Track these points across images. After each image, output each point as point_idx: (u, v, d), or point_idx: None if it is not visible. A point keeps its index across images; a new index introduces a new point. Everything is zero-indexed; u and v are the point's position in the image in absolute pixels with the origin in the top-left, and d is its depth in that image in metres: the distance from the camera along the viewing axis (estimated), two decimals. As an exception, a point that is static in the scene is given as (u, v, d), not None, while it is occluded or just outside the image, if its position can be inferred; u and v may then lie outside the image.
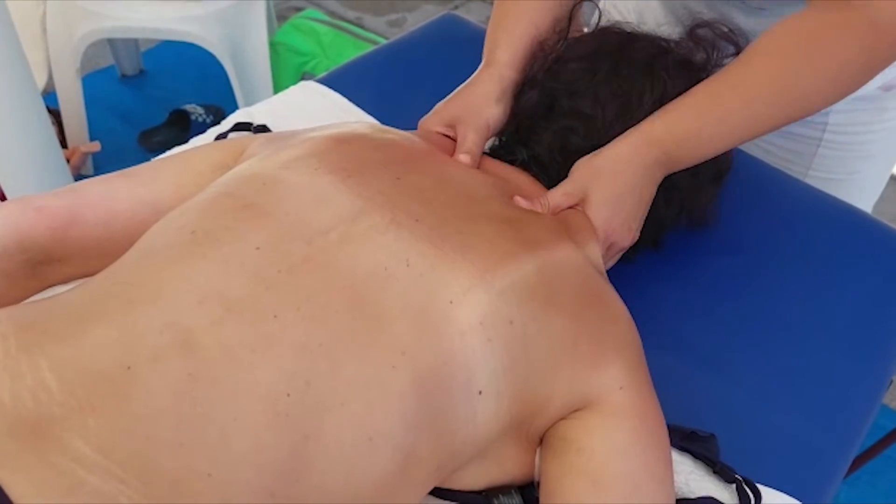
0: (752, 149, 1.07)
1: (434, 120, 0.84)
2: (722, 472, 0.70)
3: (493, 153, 0.86)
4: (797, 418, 0.77)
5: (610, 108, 0.79)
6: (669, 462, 0.65)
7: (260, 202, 0.63)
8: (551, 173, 0.81)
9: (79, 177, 1.95)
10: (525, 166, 0.82)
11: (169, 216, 0.65)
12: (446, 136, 0.83)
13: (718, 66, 0.83)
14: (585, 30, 0.90)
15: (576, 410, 0.63)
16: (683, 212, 0.85)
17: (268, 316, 0.55)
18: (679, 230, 0.88)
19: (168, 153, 0.88)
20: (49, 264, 0.73)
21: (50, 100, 1.92)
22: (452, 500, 0.65)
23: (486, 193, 0.72)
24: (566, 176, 0.80)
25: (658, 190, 0.79)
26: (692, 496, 0.69)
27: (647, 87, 0.80)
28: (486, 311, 0.59)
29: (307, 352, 0.54)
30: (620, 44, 0.83)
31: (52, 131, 1.50)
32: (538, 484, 0.65)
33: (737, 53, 0.82)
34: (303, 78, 2.00)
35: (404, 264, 0.60)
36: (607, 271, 0.78)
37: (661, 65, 0.81)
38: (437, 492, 0.64)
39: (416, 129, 0.85)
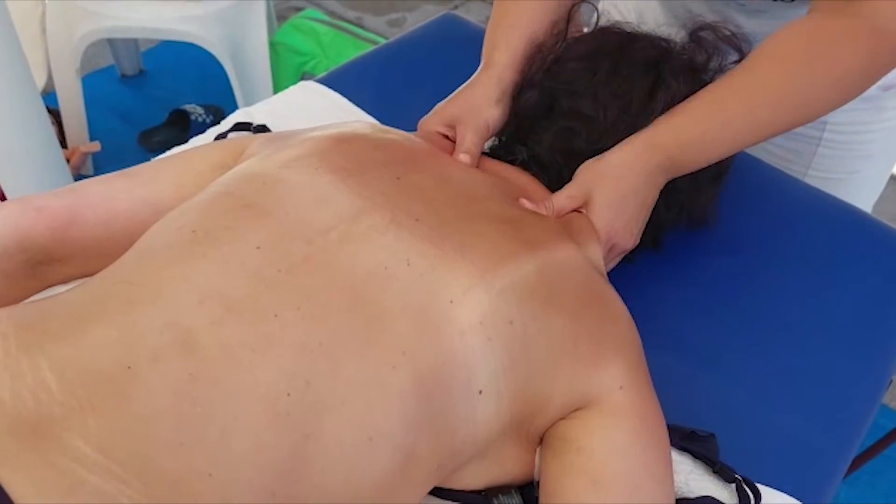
0: (752, 148, 1.07)
1: (434, 120, 0.84)
2: (722, 471, 0.70)
3: (493, 153, 0.86)
4: (797, 418, 0.77)
5: (611, 109, 0.79)
6: (669, 462, 0.65)
7: (260, 202, 0.63)
8: (551, 173, 0.81)
9: (79, 177, 1.95)
10: (525, 166, 0.82)
11: (169, 216, 0.65)
12: (446, 136, 0.83)
13: (722, 70, 0.83)
14: (585, 30, 0.90)
15: (576, 410, 0.63)
16: (683, 212, 0.85)
17: (268, 315, 0.55)
18: (679, 230, 0.88)
19: (168, 153, 0.88)
20: (49, 264, 0.73)
21: (50, 100, 1.92)
22: (452, 500, 0.65)
23: (486, 193, 0.72)
24: (566, 175, 0.80)
25: None
26: (692, 496, 0.69)
27: (648, 87, 0.80)
28: (486, 311, 0.59)
29: (307, 351, 0.54)
30: (620, 44, 0.83)
31: (51, 131, 1.51)
32: (538, 483, 0.65)
33: (740, 58, 0.82)
34: (303, 78, 2.00)
35: (404, 264, 0.60)
36: (608, 272, 0.78)
37: (662, 66, 0.81)
38: (436, 491, 0.64)
39: (415, 129, 0.85)
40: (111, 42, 2.31)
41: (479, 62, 0.88)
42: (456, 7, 2.78)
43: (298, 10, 2.50)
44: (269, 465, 0.50)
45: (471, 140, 0.81)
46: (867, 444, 1.40)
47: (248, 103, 1.22)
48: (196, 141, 0.98)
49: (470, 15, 1.27)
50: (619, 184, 0.76)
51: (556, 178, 0.81)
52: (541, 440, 0.65)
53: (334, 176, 0.65)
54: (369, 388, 0.55)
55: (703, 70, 0.83)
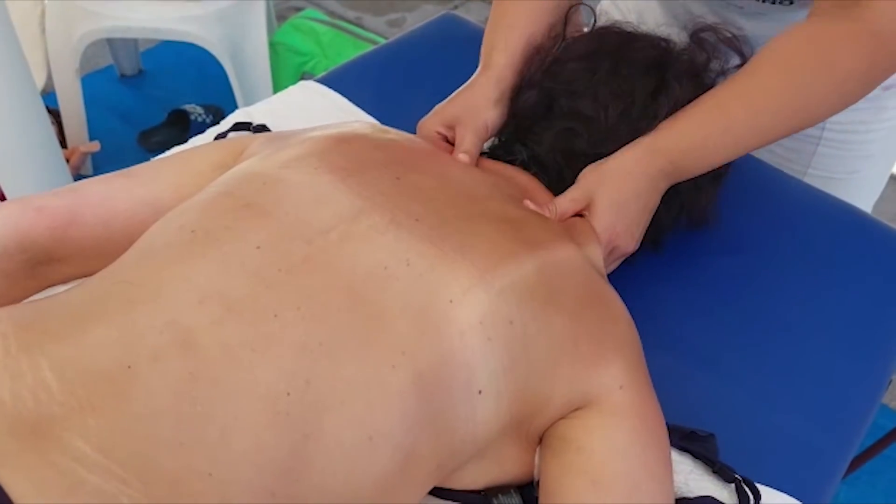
0: (752, 148, 1.07)
1: (433, 121, 0.84)
2: (721, 471, 0.70)
3: (492, 152, 0.86)
4: (797, 418, 0.77)
5: (612, 110, 0.79)
6: (669, 461, 0.65)
7: (260, 202, 0.63)
8: (551, 173, 0.81)
9: (78, 177, 1.95)
10: (524, 166, 0.82)
11: (169, 216, 0.65)
12: (445, 137, 0.83)
13: (724, 73, 0.83)
14: (585, 30, 0.90)
15: (575, 410, 0.63)
16: (683, 212, 0.85)
17: (268, 315, 0.55)
18: (679, 230, 0.88)
19: (167, 153, 0.88)
20: (49, 264, 0.73)
21: (49, 100, 1.92)
22: (452, 500, 0.65)
23: (486, 193, 0.72)
24: (567, 176, 0.80)
25: None
26: (691, 496, 0.69)
27: (650, 89, 0.80)
28: (486, 311, 0.59)
29: (307, 351, 0.54)
30: (620, 44, 0.83)
31: (51, 131, 1.50)
32: (538, 483, 0.65)
33: (741, 60, 0.83)
34: (302, 78, 2.00)
35: (404, 264, 0.60)
36: (608, 274, 0.78)
37: (664, 69, 0.81)
38: (436, 491, 0.64)
39: (415, 129, 0.85)
40: (110, 42, 2.31)
41: (478, 62, 0.88)
42: (456, 7, 2.78)
43: (298, 9, 2.50)
44: (269, 464, 0.50)
45: (470, 141, 0.81)
46: (867, 443, 1.40)
47: (248, 103, 1.22)
48: (196, 141, 0.98)
49: (470, 15, 1.26)
50: (621, 187, 0.76)
51: (556, 179, 0.81)
52: (540, 440, 0.65)
53: (334, 176, 0.65)
54: (369, 388, 0.55)
55: (703, 70, 0.83)
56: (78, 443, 0.46)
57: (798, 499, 0.71)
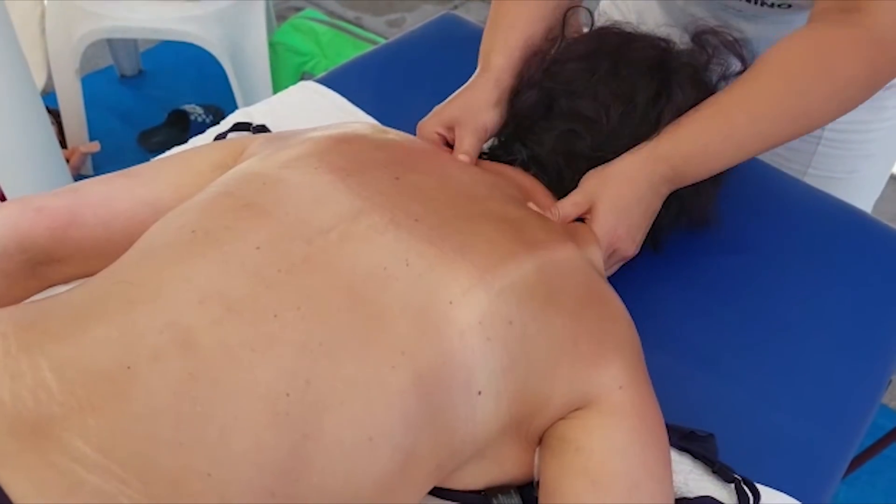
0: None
1: (433, 122, 0.84)
2: (721, 471, 0.70)
3: (492, 152, 0.87)
4: (796, 418, 0.77)
5: (613, 111, 0.79)
6: (668, 461, 0.65)
7: (260, 202, 0.63)
8: (551, 173, 0.81)
9: (78, 177, 1.95)
10: (524, 166, 0.83)
11: (169, 216, 0.65)
12: (444, 139, 0.84)
13: (725, 77, 0.84)
14: (585, 30, 0.90)
15: (575, 410, 0.63)
16: (683, 213, 0.85)
17: (268, 315, 0.55)
18: (679, 230, 0.88)
19: (167, 153, 0.88)
20: (49, 264, 0.73)
21: (49, 100, 1.92)
22: (452, 500, 0.65)
23: (485, 193, 0.72)
24: (567, 176, 0.80)
25: None
26: (691, 496, 0.69)
27: (651, 92, 0.80)
28: (486, 312, 0.59)
29: (307, 351, 0.54)
30: (619, 44, 0.83)
31: (51, 131, 1.50)
32: (537, 483, 0.65)
33: (741, 63, 0.83)
34: (302, 78, 2.00)
35: (403, 264, 0.60)
36: (608, 278, 0.78)
37: (665, 72, 0.81)
38: (436, 491, 0.64)
39: (414, 129, 0.86)
40: (110, 42, 2.31)
41: (477, 63, 0.88)
42: (455, 7, 2.78)
43: (298, 10, 2.50)
44: (269, 464, 0.50)
45: (469, 142, 0.81)
46: (866, 443, 1.40)
47: (248, 103, 1.22)
48: (196, 141, 0.98)
49: (469, 15, 1.26)
50: (623, 191, 0.76)
51: (556, 179, 0.81)
52: (540, 440, 0.65)
53: (333, 176, 0.65)
54: (369, 388, 0.55)
55: (704, 70, 0.83)
56: (77, 443, 0.46)
57: (797, 498, 0.71)
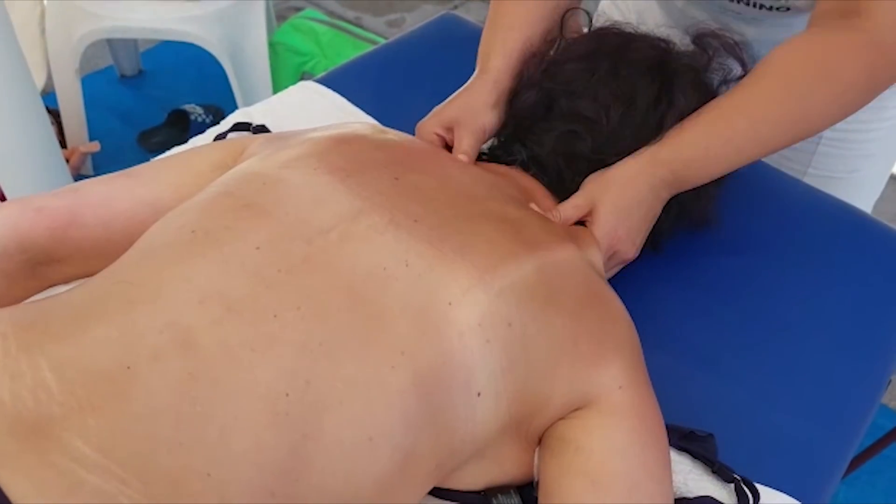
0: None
1: (432, 122, 0.84)
2: (720, 471, 0.70)
3: (492, 152, 0.87)
4: (796, 418, 0.77)
5: (613, 112, 0.79)
6: (668, 462, 0.65)
7: (260, 202, 0.63)
8: (550, 173, 0.81)
9: (78, 177, 1.95)
10: (524, 166, 0.83)
11: (169, 216, 0.65)
12: (443, 140, 0.84)
13: (726, 81, 0.84)
14: (586, 30, 0.90)
15: (575, 410, 0.63)
16: (683, 214, 0.85)
17: (268, 315, 0.55)
18: (679, 231, 0.88)
19: (167, 153, 0.88)
20: (49, 264, 0.73)
21: (49, 100, 1.92)
22: (452, 500, 0.65)
23: (485, 193, 0.72)
24: (566, 176, 0.80)
25: None
26: (691, 496, 0.69)
27: (653, 95, 0.80)
28: (485, 312, 0.59)
29: (307, 351, 0.54)
30: (619, 45, 0.84)
31: (51, 131, 1.50)
32: (537, 484, 0.65)
33: (741, 67, 0.83)
34: (302, 78, 2.00)
35: (403, 265, 0.60)
36: (607, 280, 0.78)
37: (667, 75, 0.81)
38: (436, 491, 0.64)
39: (414, 130, 0.86)
40: (110, 42, 2.31)
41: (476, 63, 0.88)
42: (455, 7, 2.78)
43: (298, 9, 2.50)
44: (269, 464, 0.50)
45: (468, 143, 0.81)
46: (866, 443, 1.40)
47: (248, 103, 1.22)
48: (195, 141, 0.98)
49: (469, 15, 1.26)
50: (624, 193, 0.77)
51: (556, 179, 0.81)
52: (540, 440, 0.65)
53: (333, 176, 0.65)
54: (369, 388, 0.55)
55: (704, 71, 0.83)
56: (77, 443, 0.46)
57: (797, 498, 0.71)
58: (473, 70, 0.87)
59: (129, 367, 0.50)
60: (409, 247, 0.61)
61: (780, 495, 0.71)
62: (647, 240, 0.81)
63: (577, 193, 0.79)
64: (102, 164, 2.07)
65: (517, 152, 0.83)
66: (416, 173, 0.70)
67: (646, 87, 0.80)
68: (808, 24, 0.81)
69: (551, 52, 0.86)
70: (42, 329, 0.52)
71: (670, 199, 0.80)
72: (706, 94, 0.82)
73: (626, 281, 0.82)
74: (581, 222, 0.78)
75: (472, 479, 0.65)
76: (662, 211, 0.80)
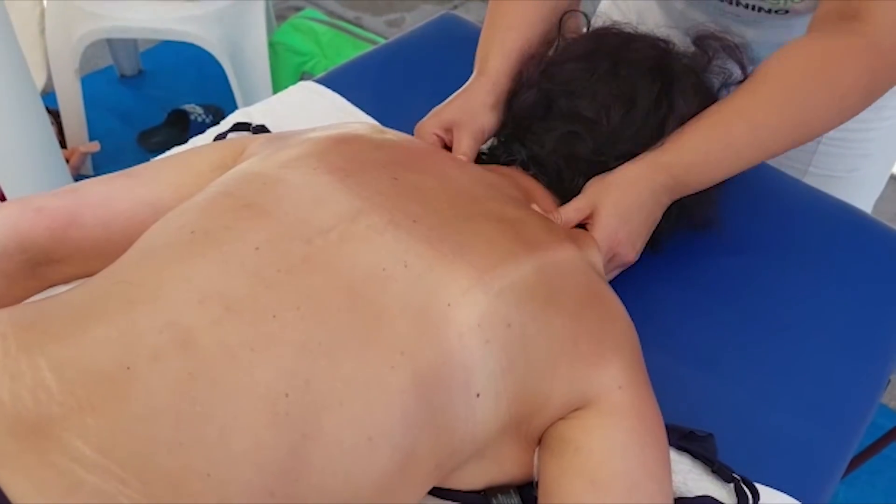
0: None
1: (431, 123, 0.84)
2: (720, 471, 0.70)
3: (492, 152, 0.87)
4: (796, 418, 0.77)
5: (614, 112, 0.80)
6: (668, 461, 0.65)
7: (260, 202, 0.63)
8: (550, 173, 0.81)
9: (78, 177, 1.95)
10: (524, 166, 0.83)
11: (168, 216, 0.65)
12: (442, 140, 0.84)
13: (727, 85, 0.84)
14: (585, 31, 0.90)
15: (574, 410, 0.63)
16: (683, 217, 0.85)
17: (267, 315, 0.55)
18: (679, 231, 0.88)
19: (167, 153, 0.88)
20: (49, 265, 0.73)
21: (49, 100, 1.92)
22: (451, 500, 0.65)
23: (485, 193, 0.72)
24: (566, 176, 0.80)
25: None
26: (690, 495, 0.69)
27: (650, 91, 0.80)
28: (485, 313, 0.59)
29: (307, 351, 0.54)
30: (618, 45, 0.84)
31: (51, 131, 1.50)
32: (537, 483, 0.65)
33: (741, 70, 0.83)
34: (302, 78, 2.00)
35: (402, 265, 0.60)
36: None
37: (664, 71, 0.81)
38: (435, 491, 0.64)
39: (414, 129, 0.86)
40: (110, 42, 2.31)
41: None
42: (455, 7, 2.78)
43: (297, 9, 2.50)
44: (268, 464, 0.50)
45: (467, 144, 0.82)
46: (866, 443, 1.40)
47: (248, 103, 1.22)
48: (195, 141, 0.98)
49: (469, 15, 1.26)
50: (625, 196, 0.77)
51: (556, 179, 0.81)
52: (539, 440, 0.65)
53: (332, 176, 0.65)
54: (368, 388, 0.55)
55: (704, 71, 0.84)
56: (77, 443, 0.46)
57: (797, 498, 0.71)
58: (473, 70, 0.87)
59: (128, 368, 0.50)
60: (409, 247, 0.61)
61: (779, 495, 0.71)
62: (647, 242, 0.81)
63: (578, 197, 0.79)
64: (102, 164, 2.07)
65: (517, 152, 0.83)
66: (415, 173, 0.70)
67: (646, 87, 0.81)
68: (807, 28, 0.81)
69: (550, 53, 0.86)
70: (42, 329, 0.52)
71: (671, 205, 0.80)
72: (707, 98, 0.82)
73: (626, 281, 0.82)
74: (582, 226, 0.78)
75: (471, 478, 0.65)
76: (663, 215, 0.81)
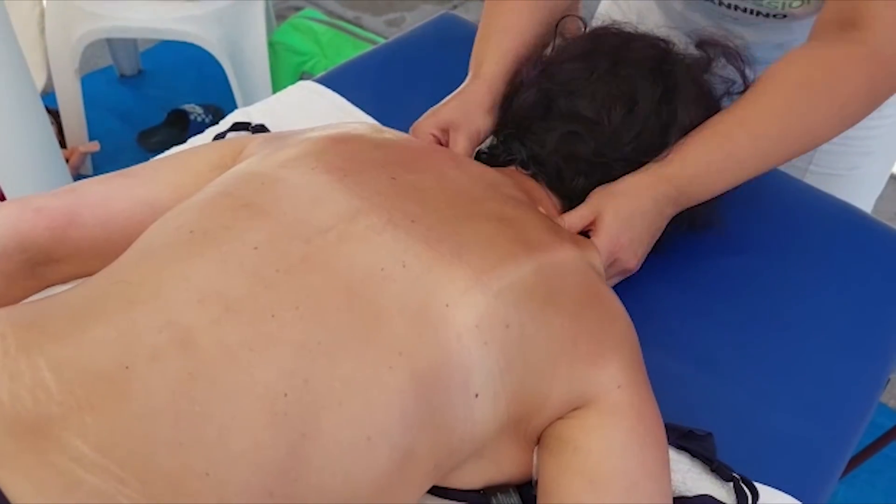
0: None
1: (428, 123, 0.84)
2: (719, 470, 0.70)
3: (491, 151, 0.87)
4: (795, 417, 0.77)
5: (614, 113, 0.80)
6: (667, 461, 0.65)
7: (258, 201, 0.63)
8: (550, 172, 0.81)
9: (78, 177, 1.95)
10: (523, 165, 0.83)
11: (167, 215, 0.65)
12: (438, 141, 0.84)
13: (729, 94, 0.84)
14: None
15: (573, 409, 0.63)
16: (684, 220, 0.85)
17: (266, 315, 0.55)
18: (679, 232, 0.88)
19: (167, 153, 0.88)
20: (48, 264, 0.73)
21: (49, 100, 1.92)
22: (451, 499, 0.65)
23: (484, 193, 0.72)
24: (566, 176, 0.80)
25: None
26: (689, 494, 0.69)
27: (651, 92, 0.80)
28: (483, 314, 0.59)
29: (306, 350, 0.54)
30: (618, 44, 0.84)
31: (51, 131, 1.51)
32: (536, 483, 0.65)
33: (741, 76, 0.83)
34: (301, 77, 2.01)
35: (400, 265, 0.60)
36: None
37: (665, 72, 0.81)
38: (435, 490, 0.64)
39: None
40: (110, 42, 2.31)
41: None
42: (455, 7, 2.78)
43: (297, 9, 2.50)
44: (267, 464, 0.50)
45: (463, 145, 0.82)
46: (865, 442, 1.40)
47: (247, 103, 1.22)
48: (195, 141, 0.98)
49: (469, 15, 1.27)
50: (628, 202, 0.77)
51: (555, 178, 0.81)
52: (538, 440, 0.65)
53: (331, 176, 0.65)
54: (367, 388, 0.55)
55: (705, 72, 0.84)
56: (76, 442, 0.46)
57: (796, 497, 0.71)
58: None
59: (127, 367, 0.50)
60: (407, 247, 0.61)
61: (779, 494, 0.71)
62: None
63: (581, 205, 0.79)
64: (102, 163, 2.07)
65: (517, 151, 0.83)
66: (413, 173, 0.70)
67: (647, 89, 0.80)
68: (808, 36, 0.82)
69: (549, 52, 0.86)
70: (41, 329, 0.52)
71: None
72: (709, 107, 0.82)
73: (625, 281, 0.82)
74: (586, 234, 0.78)
75: (470, 478, 0.65)
76: None
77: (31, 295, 0.73)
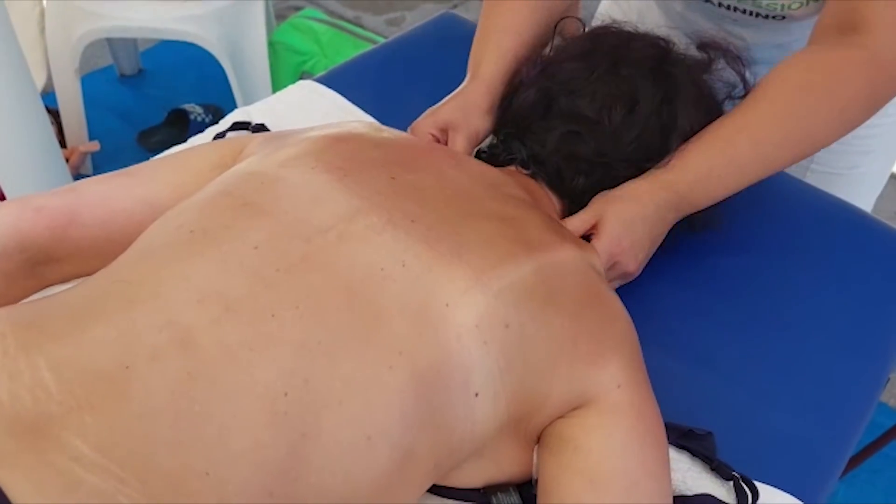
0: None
1: (427, 122, 0.85)
2: (719, 469, 0.70)
3: (491, 151, 0.87)
4: (795, 416, 0.77)
5: (615, 113, 0.80)
6: (667, 460, 0.65)
7: (258, 201, 0.63)
8: (550, 171, 0.81)
9: (78, 176, 1.95)
10: (523, 164, 0.83)
11: (167, 215, 0.65)
12: (437, 140, 0.84)
13: (731, 98, 0.84)
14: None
15: (573, 409, 0.63)
16: (685, 221, 0.85)
17: (266, 315, 0.55)
18: (679, 232, 0.88)
19: (167, 153, 0.88)
20: (48, 264, 0.73)
21: (49, 100, 1.92)
22: (451, 498, 0.65)
23: (484, 192, 0.72)
24: (566, 176, 0.80)
25: None
26: (690, 493, 0.69)
27: (652, 92, 0.80)
28: (483, 314, 0.59)
29: (306, 350, 0.54)
30: (617, 44, 0.84)
31: (51, 131, 1.51)
32: (536, 482, 0.65)
33: (741, 80, 0.83)
34: (301, 77, 2.00)
35: (400, 265, 0.60)
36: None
37: (666, 73, 0.81)
38: (435, 489, 0.64)
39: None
40: (110, 42, 2.31)
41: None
42: (455, 6, 2.78)
43: (297, 9, 2.50)
44: (267, 464, 0.50)
45: (462, 145, 0.82)
46: (865, 441, 1.40)
47: (247, 102, 1.22)
48: (195, 140, 0.98)
49: (469, 14, 1.26)
50: (630, 207, 0.77)
51: (555, 178, 0.81)
52: (538, 439, 0.65)
53: (331, 175, 0.65)
54: (367, 388, 0.55)
55: (706, 72, 0.84)
56: (76, 442, 0.46)
57: (796, 496, 0.71)
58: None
59: (127, 367, 0.50)
60: (407, 247, 0.61)
61: (779, 493, 0.71)
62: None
63: (583, 209, 0.79)
64: (102, 163, 2.07)
65: (517, 151, 0.83)
66: (413, 172, 0.70)
67: (648, 89, 0.80)
68: (808, 40, 0.82)
69: (548, 52, 0.86)
70: (40, 328, 0.52)
71: None
72: (711, 111, 0.82)
73: (625, 280, 0.82)
74: (587, 238, 0.78)
75: (470, 477, 0.65)
76: None
77: (30, 294, 0.73)
